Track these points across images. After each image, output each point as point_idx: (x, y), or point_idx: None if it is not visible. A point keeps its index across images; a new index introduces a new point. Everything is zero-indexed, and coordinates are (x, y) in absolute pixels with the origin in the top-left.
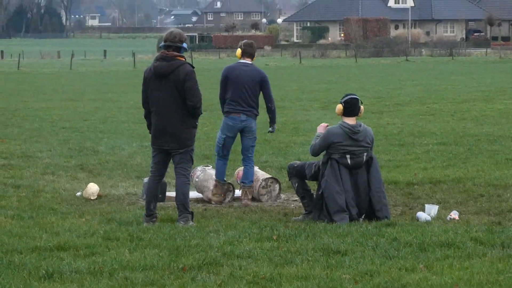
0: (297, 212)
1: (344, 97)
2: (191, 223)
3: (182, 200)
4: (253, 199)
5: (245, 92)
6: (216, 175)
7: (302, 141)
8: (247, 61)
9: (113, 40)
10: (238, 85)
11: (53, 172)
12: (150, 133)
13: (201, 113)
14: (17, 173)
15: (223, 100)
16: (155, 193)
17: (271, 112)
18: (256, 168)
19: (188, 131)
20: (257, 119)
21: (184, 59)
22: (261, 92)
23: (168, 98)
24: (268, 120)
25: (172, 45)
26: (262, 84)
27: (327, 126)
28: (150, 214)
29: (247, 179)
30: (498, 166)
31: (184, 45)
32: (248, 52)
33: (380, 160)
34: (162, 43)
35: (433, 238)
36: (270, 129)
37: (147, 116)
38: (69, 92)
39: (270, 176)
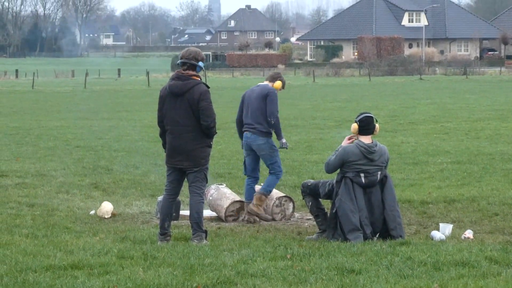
0: (311, 231)
1: (359, 115)
2: (204, 241)
3: (196, 219)
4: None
5: (254, 113)
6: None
7: (316, 160)
8: (265, 82)
9: (127, 59)
10: (249, 105)
11: (67, 190)
12: (165, 152)
13: (215, 133)
14: (31, 192)
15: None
16: (169, 211)
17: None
18: None
19: (202, 150)
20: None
21: (199, 79)
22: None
23: (183, 117)
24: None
25: (187, 62)
26: (266, 98)
27: (352, 138)
28: (164, 233)
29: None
30: None
31: (200, 63)
32: (269, 77)
33: (394, 178)
34: (179, 61)
35: (447, 257)
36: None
37: (162, 135)
38: (83, 111)
39: (284, 194)
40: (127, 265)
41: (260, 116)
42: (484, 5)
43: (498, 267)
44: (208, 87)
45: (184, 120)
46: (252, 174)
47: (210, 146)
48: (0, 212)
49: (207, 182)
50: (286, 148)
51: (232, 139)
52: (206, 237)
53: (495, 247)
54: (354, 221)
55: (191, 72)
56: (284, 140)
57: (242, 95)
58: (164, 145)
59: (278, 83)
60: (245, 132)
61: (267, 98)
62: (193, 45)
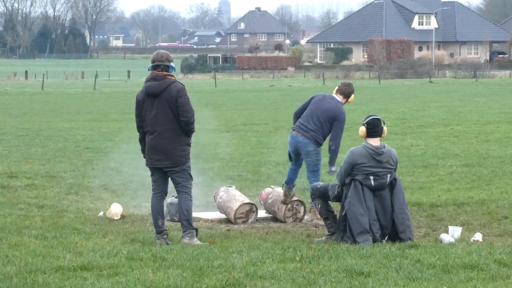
0: (320, 233)
1: (366, 118)
2: (195, 239)
3: (186, 216)
4: (278, 221)
5: (314, 119)
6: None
7: (326, 162)
8: (337, 96)
9: (137, 60)
10: (314, 110)
11: (76, 192)
12: (144, 157)
13: (194, 130)
14: (41, 193)
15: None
16: (160, 209)
17: (330, 151)
18: (279, 189)
19: (181, 148)
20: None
21: (173, 78)
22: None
23: (161, 117)
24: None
25: (161, 64)
26: (334, 122)
27: None
28: (160, 231)
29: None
30: None
31: (172, 64)
32: (341, 90)
33: (404, 181)
34: (150, 65)
35: (456, 260)
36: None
37: (142, 140)
38: (93, 112)
39: (296, 198)
40: (137, 266)
41: (321, 129)
42: (494, 8)
43: (507, 270)
44: (183, 85)
45: (163, 120)
46: (296, 162)
47: (189, 145)
48: (10, 213)
49: (192, 180)
50: (331, 174)
51: (241, 142)
52: (196, 235)
53: (504, 250)
54: (364, 223)
55: (165, 73)
56: (333, 169)
57: (313, 95)
58: (143, 150)
59: (352, 98)
60: (295, 132)
61: (335, 122)
62: (202, 47)
